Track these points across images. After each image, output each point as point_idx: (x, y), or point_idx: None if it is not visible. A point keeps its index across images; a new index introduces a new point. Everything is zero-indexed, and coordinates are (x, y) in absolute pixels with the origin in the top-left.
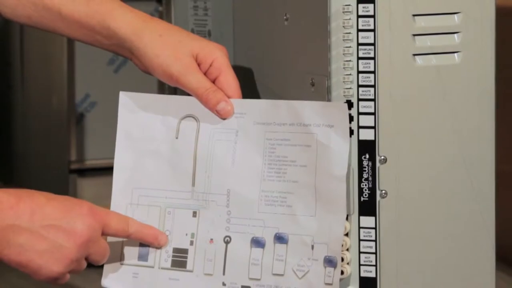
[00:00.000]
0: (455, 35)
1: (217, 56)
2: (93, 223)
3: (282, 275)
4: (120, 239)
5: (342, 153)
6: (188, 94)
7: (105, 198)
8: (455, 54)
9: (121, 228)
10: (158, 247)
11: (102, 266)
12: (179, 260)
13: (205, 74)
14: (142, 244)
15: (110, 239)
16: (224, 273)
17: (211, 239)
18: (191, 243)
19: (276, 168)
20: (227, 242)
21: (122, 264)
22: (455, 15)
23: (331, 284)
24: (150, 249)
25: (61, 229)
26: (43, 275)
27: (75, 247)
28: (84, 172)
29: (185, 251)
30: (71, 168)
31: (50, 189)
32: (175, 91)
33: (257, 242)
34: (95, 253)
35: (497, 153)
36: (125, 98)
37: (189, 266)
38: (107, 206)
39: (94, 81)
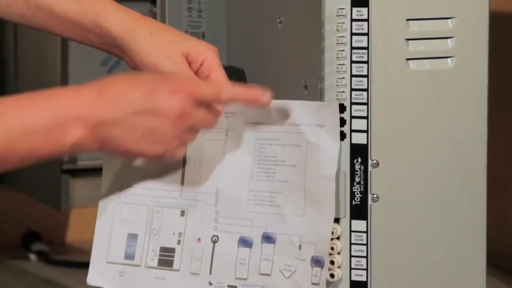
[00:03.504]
0: (449, 40)
1: (207, 55)
2: (182, 98)
3: (269, 275)
4: (107, 240)
5: (332, 153)
6: None
7: (98, 199)
8: (448, 59)
9: (213, 97)
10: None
11: None
12: (166, 259)
13: (196, 73)
14: (129, 243)
15: (96, 235)
16: (211, 273)
17: (199, 239)
18: (178, 242)
19: (265, 167)
20: (214, 242)
21: (108, 262)
22: (449, 20)
23: (318, 284)
24: (137, 248)
25: (149, 112)
26: (148, 157)
27: (169, 125)
28: (77, 172)
29: (172, 250)
30: (63, 168)
31: (41, 189)
32: None
33: (245, 242)
34: (197, 123)
35: (489, 158)
36: None
37: (175, 265)
38: None
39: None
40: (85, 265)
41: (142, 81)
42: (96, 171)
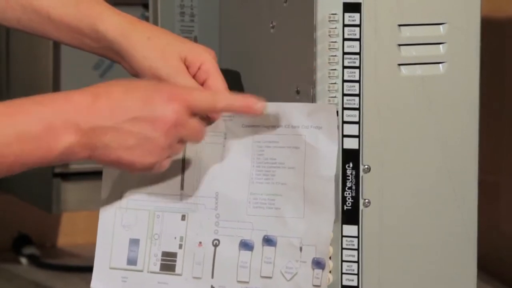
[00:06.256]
0: (440, 45)
1: (205, 59)
2: (176, 107)
3: (270, 277)
4: (109, 245)
5: (330, 154)
6: None
7: (89, 202)
8: (440, 64)
9: (208, 107)
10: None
11: (86, 271)
12: (168, 263)
13: (193, 77)
14: (131, 249)
15: (98, 241)
16: (212, 276)
17: (200, 242)
18: (180, 246)
19: (264, 170)
20: (215, 245)
21: (111, 268)
22: (441, 25)
23: (319, 286)
24: (139, 253)
25: (144, 120)
26: (137, 169)
27: (162, 134)
28: (68, 176)
29: (174, 254)
30: (55, 172)
31: (33, 193)
32: None
33: (246, 245)
34: (188, 135)
35: (480, 163)
36: None
37: (178, 269)
38: (92, 211)
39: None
40: (75, 269)
41: (137, 89)
42: (87, 175)
